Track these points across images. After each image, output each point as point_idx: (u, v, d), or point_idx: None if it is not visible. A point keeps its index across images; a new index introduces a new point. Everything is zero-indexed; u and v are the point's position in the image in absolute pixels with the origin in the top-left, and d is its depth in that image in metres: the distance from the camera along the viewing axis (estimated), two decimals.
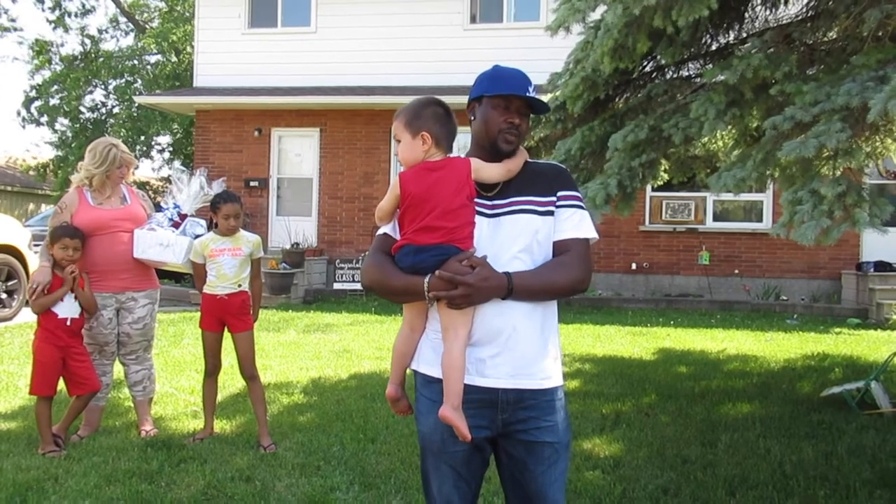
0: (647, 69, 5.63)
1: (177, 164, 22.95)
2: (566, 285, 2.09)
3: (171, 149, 23.76)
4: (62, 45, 34.35)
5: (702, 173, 6.11)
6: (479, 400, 2.07)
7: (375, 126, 13.63)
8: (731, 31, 5.25)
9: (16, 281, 9.35)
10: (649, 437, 4.66)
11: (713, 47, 5.34)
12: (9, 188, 25.18)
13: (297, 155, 14.34)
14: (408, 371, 2.25)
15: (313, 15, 14.05)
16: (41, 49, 22.85)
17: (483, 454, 2.17)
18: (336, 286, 12.76)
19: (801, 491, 3.78)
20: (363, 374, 6.53)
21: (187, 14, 22.34)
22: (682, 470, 4.07)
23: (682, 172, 6.26)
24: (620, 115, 5.34)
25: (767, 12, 5.16)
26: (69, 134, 22.44)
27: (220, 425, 4.75)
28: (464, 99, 2.20)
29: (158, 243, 4.49)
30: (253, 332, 4.51)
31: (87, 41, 23.28)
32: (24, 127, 24.47)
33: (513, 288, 2.02)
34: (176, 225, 4.59)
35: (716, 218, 12.87)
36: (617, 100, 5.72)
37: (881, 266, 11.42)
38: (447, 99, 2.26)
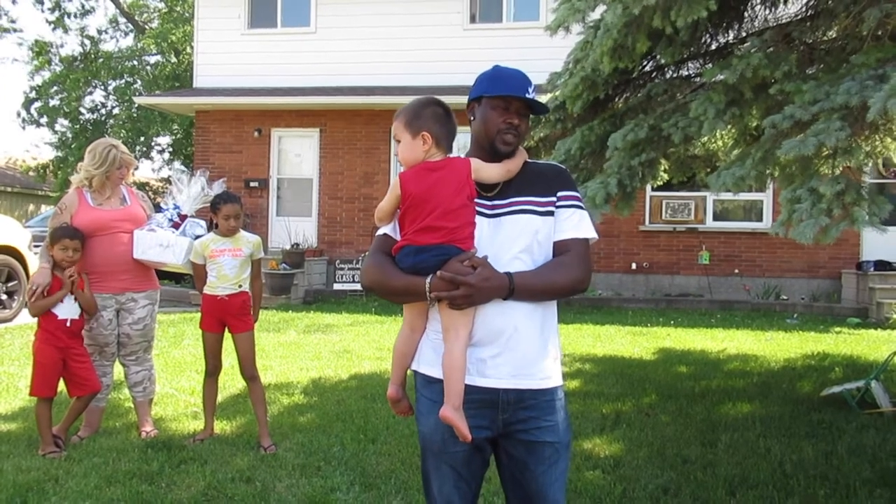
0: (647, 69, 5.63)
1: (177, 164, 22.97)
2: (566, 285, 2.10)
3: (170, 149, 23.76)
4: (62, 45, 34.41)
5: (702, 173, 6.11)
6: (479, 400, 2.07)
7: (375, 126, 13.62)
8: (730, 31, 5.25)
9: (16, 282, 9.35)
10: (649, 437, 4.66)
11: (713, 47, 5.34)
12: (9, 189, 25.19)
13: (296, 155, 14.34)
14: (408, 372, 2.25)
15: (313, 15, 14.05)
16: (41, 50, 22.85)
17: (483, 454, 2.17)
18: (336, 286, 12.76)
19: (802, 490, 3.78)
20: (363, 375, 6.53)
21: (187, 14, 22.34)
22: (682, 470, 4.07)
23: (681, 172, 6.26)
24: (620, 114, 5.34)
25: (767, 12, 5.16)
26: (69, 135, 22.44)
27: (220, 426, 4.75)
28: (463, 99, 2.20)
29: (158, 244, 4.49)
30: (253, 332, 4.51)
31: (87, 42, 23.28)
32: (23, 128, 24.49)
33: (514, 288, 2.03)
34: (176, 226, 4.59)
35: (716, 217, 12.87)
36: (617, 99, 5.72)
37: (881, 265, 11.42)
38: (447, 99, 2.26)
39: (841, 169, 3.68)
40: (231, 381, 5.77)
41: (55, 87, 22.10)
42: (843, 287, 12.04)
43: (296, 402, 5.53)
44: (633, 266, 12.89)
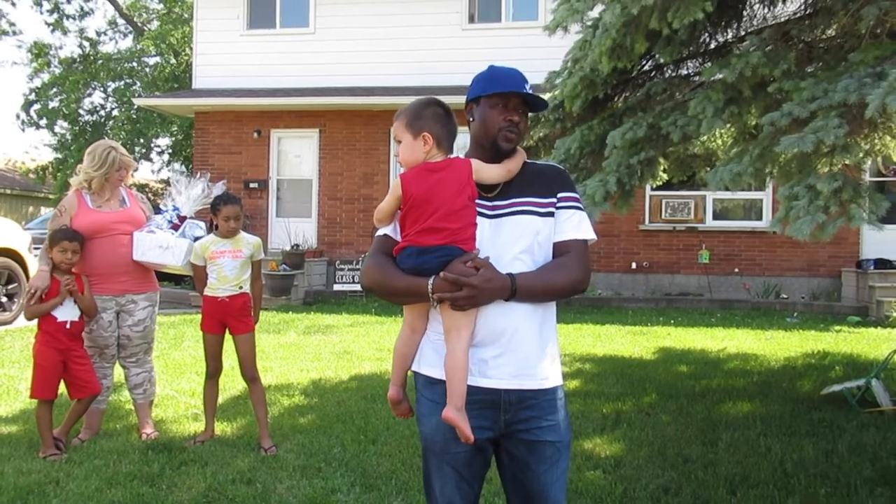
0: (646, 68, 5.63)
1: (175, 166, 22.98)
2: (567, 286, 2.10)
3: (170, 151, 23.76)
4: (61, 47, 34.44)
5: (701, 172, 6.11)
6: (481, 401, 2.07)
7: (375, 127, 13.63)
8: (729, 30, 5.25)
9: (16, 284, 9.35)
10: (650, 437, 4.66)
11: (712, 46, 5.34)
12: (8, 191, 25.20)
13: (296, 156, 14.34)
14: (408, 373, 2.25)
15: (312, 16, 14.05)
16: (40, 52, 22.85)
17: (485, 455, 2.18)
18: (336, 287, 12.76)
19: (802, 489, 3.77)
20: (364, 376, 6.53)
21: (186, 16, 22.34)
22: (682, 469, 4.07)
23: (681, 171, 6.26)
24: (619, 113, 5.34)
25: (766, 10, 5.16)
26: (68, 136, 22.45)
27: (220, 427, 4.75)
28: (463, 99, 2.20)
29: (158, 245, 4.49)
30: (254, 334, 4.51)
31: (86, 44, 23.29)
32: (23, 130, 24.57)
33: (516, 289, 2.03)
34: (175, 227, 4.59)
35: (715, 216, 12.87)
36: (616, 99, 5.72)
37: (881, 263, 11.41)
38: (446, 99, 2.26)
39: (840, 166, 3.68)
40: (231, 383, 5.77)
41: (54, 89, 22.12)
42: (843, 285, 12.04)
43: (296, 404, 5.53)
44: (633, 265, 12.89)
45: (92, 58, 22.82)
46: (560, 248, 2.13)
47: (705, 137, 5.62)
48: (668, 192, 12.43)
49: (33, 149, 37.55)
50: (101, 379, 4.48)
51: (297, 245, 13.27)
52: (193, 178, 4.89)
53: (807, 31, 4.58)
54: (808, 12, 4.83)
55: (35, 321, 4.32)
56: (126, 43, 25.11)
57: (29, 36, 39.34)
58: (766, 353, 7.69)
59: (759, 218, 12.69)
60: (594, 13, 4.77)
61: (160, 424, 4.86)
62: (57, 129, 22.77)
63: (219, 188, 4.70)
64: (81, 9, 23.58)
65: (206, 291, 4.41)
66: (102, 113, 23.15)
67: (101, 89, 23.03)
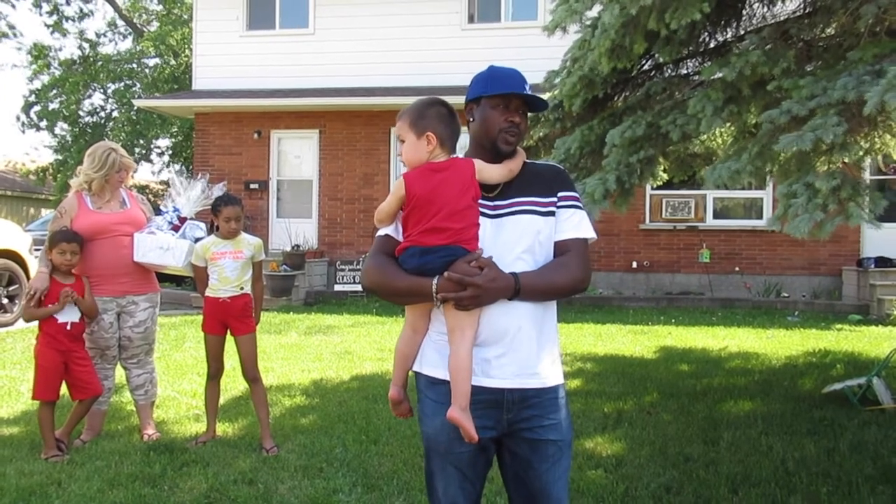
0: (646, 67, 5.63)
1: (175, 167, 22.99)
2: (568, 285, 2.11)
3: (170, 152, 23.77)
4: (60, 49, 34.35)
5: (702, 171, 6.11)
6: (484, 401, 2.08)
7: (375, 127, 13.63)
8: (729, 29, 5.25)
9: (17, 286, 9.36)
10: (651, 436, 4.66)
11: (711, 45, 5.34)
12: (9, 192, 25.21)
13: (296, 157, 14.34)
14: (409, 373, 2.25)
15: (311, 16, 14.05)
16: (39, 53, 22.86)
17: (487, 454, 2.18)
18: (337, 288, 12.76)
19: (804, 488, 3.78)
20: (365, 376, 6.53)
21: (185, 17, 22.35)
22: (684, 468, 4.08)
23: (682, 171, 6.26)
24: (619, 113, 5.34)
25: (765, 9, 5.16)
26: (68, 138, 22.45)
27: (222, 428, 4.75)
28: (463, 99, 2.20)
29: (158, 247, 4.50)
30: (255, 334, 4.51)
31: (86, 45, 23.30)
32: (23, 131, 24.51)
33: (520, 288, 2.03)
34: (175, 228, 4.60)
35: (716, 215, 12.87)
36: (616, 98, 5.72)
37: (882, 262, 11.40)
38: (446, 99, 2.26)
39: (839, 165, 3.69)
40: (233, 383, 5.77)
41: (54, 91, 22.11)
42: (844, 284, 12.03)
43: (297, 404, 5.53)
44: (634, 265, 12.88)
45: (92, 59, 22.82)
46: (561, 248, 2.13)
47: (705, 136, 5.62)
48: (669, 192, 12.42)
49: (33, 150, 37.54)
50: (102, 380, 4.48)
51: (298, 246, 13.27)
52: (193, 179, 4.89)
53: (806, 29, 4.59)
54: (807, 11, 4.83)
55: (36, 322, 4.32)
56: (126, 44, 25.13)
57: (29, 38, 39.50)
58: (767, 352, 7.69)
59: (760, 217, 12.68)
60: (593, 13, 4.77)
61: (162, 425, 4.86)
62: (57, 130, 22.78)
63: (219, 189, 4.70)
64: (81, 10, 23.58)
65: (208, 292, 4.42)
66: (102, 114, 23.16)
67: (101, 91, 23.05)
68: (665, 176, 6.21)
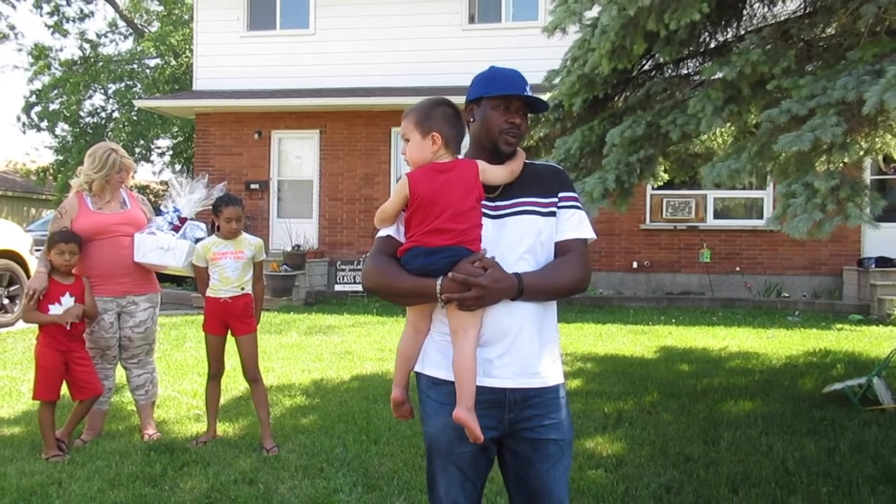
0: (646, 67, 5.63)
1: (177, 167, 23.00)
2: (569, 285, 2.12)
3: (171, 152, 23.78)
4: (61, 49, 34.42)
5: (702, 171, 6.11)
6: (487, 401, 2.08)
7: (375, 127, 13.63)
8: (729, 29, 5.25)
9: (17, 286, 9.36)
10: (651, 436, 4.66)
11: (712, 45, 5.34)
12: (9, 193, 25.22)
13: (297, 157, 14.34)
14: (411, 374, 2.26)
15: (312, 17, 14.05)
16: (40, 54, 22.87)
17: (489, 454, 2.19)
18: (337, 288, 12.76)
19: (804, 488, 3.78)
20: (365, 376, 6.53)
21: (186, 17, 22.36)
22: (684, 468, 4.08)
23: (683, 171, 6.26)
24: (620, 113, 5.34)
25: (765, 9, 5.16)
26: (69, 138, 22.46)
27: (222, 428, 4.75)
28: (463, 99, 2.20)
29: (159, 247, 4.50)
30: (256, 334, 4.51)
31: (86, 46, 23.31)
32: (24, 132, 24.53)
33: (523, 289, 2.04)
34: (176, 228, 4.60)
35: (716, 215, 12.87)
36: (616, 98, 5.72)
37: (882, 262, 11.40)
38: None
39: (841, 165, 3.69)
40: (233, 384, 5.77)
41: (55, 91, 22.13)
42: (845, 284, 12.03)
43: (298, 404, 5.53)
44: (635, 265, 12.88)
45: (92, 60, 22.84)
46: (561, 248, 2.14)
47: (705, 136, 5.62)
48: (669, 192, 12.42)
49: (34, 150, 37.54)
50: (102, 380, 4.49)
51: (299, 246, 13.28)
52: (193, 179, 4.90)
53: (806, 29, 4.59)
54: (807, 11, 4.83)
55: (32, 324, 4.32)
56: (126, 45, 25.12)
57: (29, 39, 39.49)
58: (767, 352, 7.69)
59: (760, 217, 12.67)
60: (593, 13, 4.77)
61: (162, 425, 4.87)
62: (58, 131, 22.80)
63: (220, 189, 4.71)
64: (81, 11, 23.61)
65: (208, 292, 4.42)
66: (103, 115, 23.18)
67: (102, 91, 23.06)
68: (666, 176, 6.21)
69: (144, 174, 27.67)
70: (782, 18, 4.91)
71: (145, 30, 24.12)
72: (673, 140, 4.60)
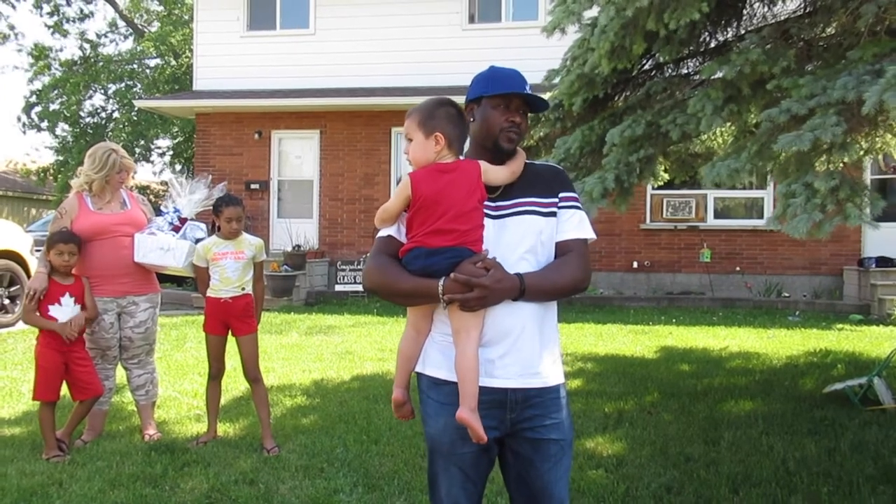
0: (647, 67, 5.64)
1: (177, 167, 23.00)
2: (570, 285, 2.12)
3: (171, 152, 23.78)
4: (61, 50, 34.40)
5: (702, 169, 6.11)
6: (488, 401, 2.08)
7: (375, 127, 13.63)
8: (729, 29, 5.25)
9: (18, 286, 9.36)
10: (652, 436, 4.66)
11: (712, 45, 5.34)
12: (10, 193, 25.22)
13: (297, 157, 14.35)
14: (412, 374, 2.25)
15: (312, 17, 14.06)
16: (40, 54, 22.88)
17: (490, 455, 2.19)
18: (338, 288, 12.77)
19: (805, 488, 3.78)
20: (366, 376, 6.53)
21: (186, 17, 22.36)
22: (685, 468, 4.08)
23: (683, 171, 6.26)
24: (620, 113, 5.34)
25: (765, 9, 5.16)
26: (69, 139, 22.47)
27: (223, 428, 4.75)
28: (463, 99, 2.20)
29: (159, 247, 4.50)
30: (257, 334, 4.51)
31: (86, 46, 23.32)
32: (24, 132, 24.53)
33: (525, 289, 2.04)
34: (176, 229, 4.60)
35: (717, 215, 12.87)
36: (616, 98, 5.72)
37: (883, 261, 11.40)
38: None
39: (841, 165, 3.69)
40: (234, 384, 5.78)
41: (55, 92, 22.14)
42: (845, 283, 12.03)
43: (298, 404, 5.53)
44: (635, 264, 12.88)
45: (92, 60, 22.85)
46: (562, 248, 2.15)
47: (705, 136, 5.62)
48: (669, 191, 12.42)
49: (34, 151, 37.52)
50: (103, 380, 4.49)
51: (299, 246, 13.28)
52: (194, 179, 4.90)
53: (806, 29, 4.59)
54: (807, 10, 4.83)
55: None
56: (126, 45, 25.12)
57: (29, 39, 39.50)
58: (767, 352, 7.69)
59: (761, 216, 12.67)
60: (592, 12, 4.78)
61: (163, 426, 4.87)
62: (58, 131, 22.80)
63: (220, 189, 4.71)
64: (81, 11, 23.61)
65: (209, 293, 4.42)
66: (103, 115, 23.18)
67: (102, 91, 23.06)
68: (666, 176, 6.21)
69: (145, 174, 27.68)
70: (782, 18, 4.92)
71: (145, 30, 24.12)
72: (673, 140, 4.60)
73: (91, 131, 22.23)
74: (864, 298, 11.34)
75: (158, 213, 4.79)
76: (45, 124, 22.71)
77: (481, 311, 2.04)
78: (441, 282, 2.02)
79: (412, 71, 13.23)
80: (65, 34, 23.59)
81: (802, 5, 4.93)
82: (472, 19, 13.67)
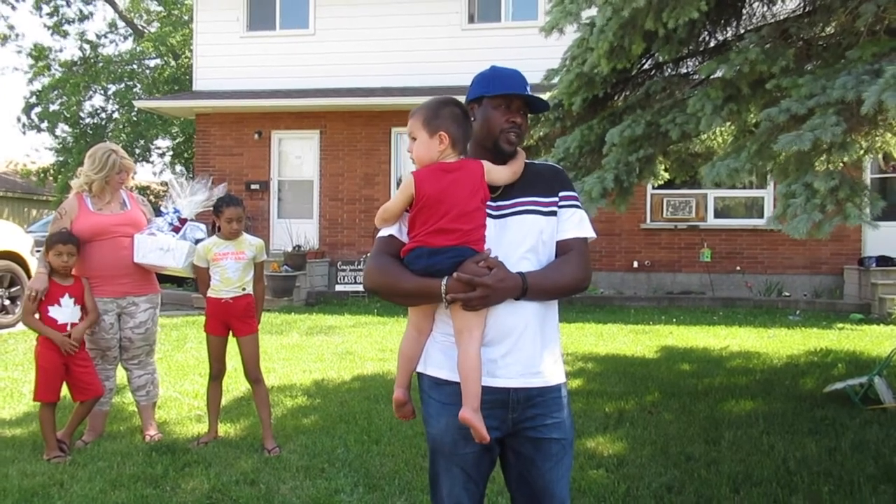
0: (646, 67, 5.64)
1: (178, 168, 23.00)
2: (571, 284, 2.13)
3: (171, 153, 23.78)
4: (61, 50, 34.43)
5: (702, 169, 6.11)
6: (491, 401, 2.08)
7: (375, 127, 13.64)
8: (728, 28, 5.25)
9: (18, 287, 9.37)
10: (653, 436, 4.66)
11: (711, 44, 5.34)
12: (10, 194, 25.22)
13: (297, 157, 14.35)
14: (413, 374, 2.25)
15: (311, 17, 14.06)
16: (39, 55, 22.88)
17: (492, 455, 2.19)
18: (338, 288, 12.77)
19: (805, 487, 3.78)
20: (366, 376, 6.54)
21: (185, 18, 22.36)
22: (685, 467, 4.08)
23: (683, 171, 6.26)
24: (619, 112, 5.35)
25: (765, 8, 5.16)
26: (69, 139, 22.47)
27: (224, 429, 4.76)
28: (463, 99, 2.21)
29: (158, 248, 4.50)
30: (257, 335, 4.51)
31: (86, 46, 23.32)
32: (24, 133, 24.55)
33: (527, 288, 2.04)
34: (176, 229, 4.60)
35: (717, 215, 12.87)
36: (616, 98, 5.72)
37: (883, 261, 11.40)
38: None
39: (840, 164, 3.69)
40: (234, 384, 5.78)
41: (55, 92, 22.14)
42: (846, 283, 12.03)
43: (299, 404, 5.54)
44: (635, 264, 12.88)
45: (92, 60, 22.85)
46: (563, 247, 2.15)
47: (705, 135, 5.62)
48: (670, 191, 12.42)
49: (34, 151, 37.55)
50: (103, 381, 4.49)
51: (299, 246, 13.28)
52: (194, 180, 4.90)
53: (806, 28, 4.59)
54: (806, 10, 4.83)
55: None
56: (126, 45, 25.11)
57: (29, 40, 39.62)
58: (768, 351, 7.69)
59: (761, 216, 12.67)
60: (591, 12, 4.78)
61: (163, 426, 4.87)
62: (58, 132, 22.81)
63: (220, 190, 4.71)
64: (81, 12, 23.61)
65: (210, 293, 4.43)
66: (103, 115, 23.18)
67: (102, 92, 23.06)
68: (666, 175, 6.21)
69: (145, 175, 27.66)
70: (781, 17, 4.92)
71: (145, 30, 24.12)
72: (673, 139, 4.60)
73: (91, 132, 22.23)
74: (865, 298, 11.34)
75: (158, 213, 4.80)
76: (44, 125, 22.72)
77: (483, 310, 2.04)
78: (444, 281, 2.02)
79: (412, 71, 13.22)
80: (64, 35, 23.59)
81: (802, 5, 4.93)
82: (471, 19, 13.67)
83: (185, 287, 13.14)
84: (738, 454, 4.30)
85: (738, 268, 12.55)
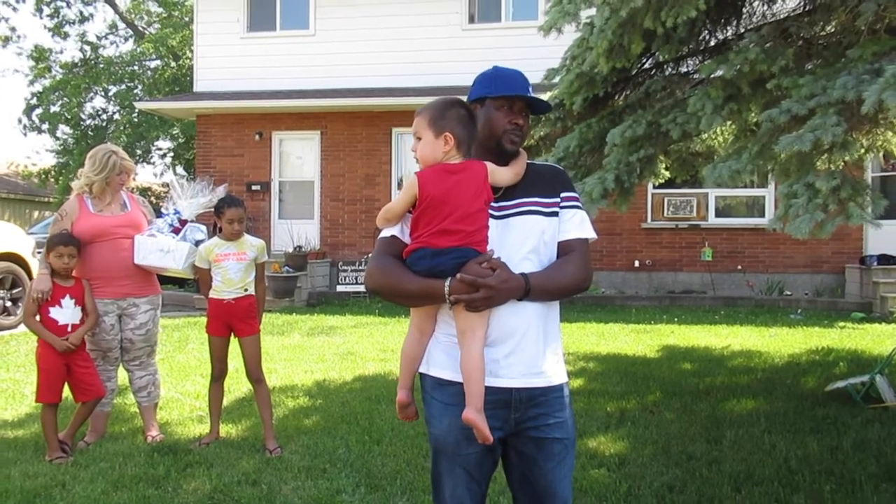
0: (646, 66, 5.64)
1: (179, 170, 23.01)
2: (572, 285, 2.14)
3: (172, 154, 23.79)
4: (61, 52, 34.41)
5: (703, 170, 6.11)
6: (493, 401, 2.08)
7: (376, 128, 13.64)
8: (728, 27, 5.25)
9: (20, 289, 9.38)
10: (654, 435, 4.66)
11: (712, 43, 5.34)
12: (11, 195, 25.24)
13: (298, 158, 14.36)
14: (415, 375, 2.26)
15: (311, 18, 14.07)
16: (40, 56, 22.90)
17: (494, 455, 2.19)
18: (339, 288, 12.77)
19: (807, 486, 3.78)
20: (368, 377, 6.54)
21: (186, 19, 22.37)
22: (687, 467, 4.08)
23: (684, 170, 6.26)
24: (619, 111, 5.35)
25: (765, 7, 5.16)
26: (70, 141, 22.48)
27: (225, 429, 4.76)
28: (464, 99, 2.21)
29: (159, 249, 4.51)
30: (259, 335, 4.52)
31: (87, 48, 23.34)
32: (25, 134, 24.57)
33: (530, 289, 2.05)
34: (176, 231, 4.60)
35: (718, 214, 12.86)
36: (616, 97, 5.72)
37: (885, 259, 11.39)
38: None
39: (842, 164, 3.69)
40: (236, 385, 5.78)
41: (56, 94, 22.15)
42: (847, 282, 12.02)
43: (301, 405, 5.54)
44: (636, 264, 12.88)
45: (93, 62, 22.87)
46: (564, 248, 2.16)
47: (705, 135, 5.62)
48: (671, 190, 12.42)
49: (35, 153, 37.58)
50: (105, 382, 4.50)
51: (300, 247, 13.29)
52: (195, 181, 4.90)
53: (806, 27, 4.58)
54: (806, 9, 4.83)
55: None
56: (127, 46, 25.12)
57: (30, 41, 39.60)
58: (769, 350, 7.68)
59: (762, 215, 12.67)
60: (590, 11, 4.78)
61: (165, 427, 4.87)
62: (59, 133, 22.82)
63: (221, 191, 4.72)
64: (81, 13, 23.63)
65: (212, 294, 4.43)
66: (104, 117, 23.20)
67: (103, 93, 23.07)
68: (667, 174, 6.21)
69: (146, 176, 27.69)
70: (782, 16, 4.91)
71: (145, 31, 24.13)
72: (673, 139, 4.60)
73: (92, 133, 22.24)
74: (866, 296, 11.34)
75: (159, 214, 4.80)
76: (45, 126, 22.73)
77: (486, 311, 2.04)
78: (447, 282, 2.03)
79: (412, 71, 13.23)
80: (65, 36, 23.61)
81: (802, 4, 4.93)
82: (471, 19, 13.68)
83: (187, 288, 13.16)
84: (740, 453, 4.30)
85: (740, 267, 12.55)
